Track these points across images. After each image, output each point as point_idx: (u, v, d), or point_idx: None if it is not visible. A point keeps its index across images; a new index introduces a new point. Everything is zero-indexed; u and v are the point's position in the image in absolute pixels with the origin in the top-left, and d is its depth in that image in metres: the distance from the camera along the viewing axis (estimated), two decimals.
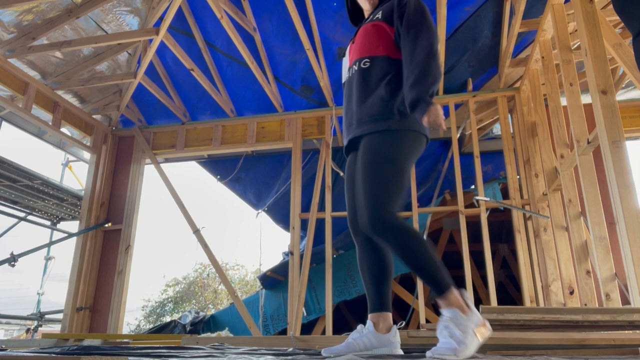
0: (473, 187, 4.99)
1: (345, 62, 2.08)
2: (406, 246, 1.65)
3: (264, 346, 2.48)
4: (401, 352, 1.78)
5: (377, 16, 1.96)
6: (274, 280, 5.54)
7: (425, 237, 4.82)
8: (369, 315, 1.86)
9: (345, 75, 2.05)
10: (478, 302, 5.05)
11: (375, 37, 1.92)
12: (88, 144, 5.20)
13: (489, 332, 1.60)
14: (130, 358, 1.43)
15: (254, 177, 5.75)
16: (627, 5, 1.28)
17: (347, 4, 2.23)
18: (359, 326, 1.86)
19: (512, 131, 4.64)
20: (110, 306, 4.76)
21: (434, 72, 1.73)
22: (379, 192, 1.71)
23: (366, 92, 1.86)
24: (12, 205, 5.55)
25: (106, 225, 5.06)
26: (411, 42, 1.80)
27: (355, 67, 1.93)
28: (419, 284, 4.21)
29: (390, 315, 1.86)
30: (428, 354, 1.53)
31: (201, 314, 6.00)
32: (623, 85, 4.68)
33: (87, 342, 3.78)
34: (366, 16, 2.12)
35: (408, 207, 4.61)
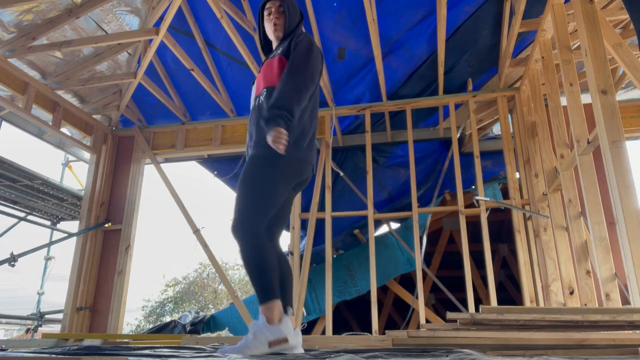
0: (473, 187, 4.99)
1: (253, 90, 2.30)
2: (244, 252, 1.96)
3: None
4: (299, 337, 1.99)
5: (278, 50, 2.21)
6: None
7: (425, 237, 4.84)
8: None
9: (252, 104, 2.27)
10: (478, 302, 5.05)
11: (273, 69, 2.15)
12: (88, 144, 5.20)
13: (289, 346, 1.85)
14: (130, 358, 1.43)
15: None
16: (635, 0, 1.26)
17: (259, 37, 2.42)
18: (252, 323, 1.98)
19: (512, 131, 4.64)
20: (110, 306, 4.76)
21: (293, 108, 1.97)
22: (245, 202, 2.01)
23: (260, 118, 2.08)
24: (12, 205, 5.55)
25: (106, 225, 5.06)
26: (288, 75, 2.04)
27: (262, 98, 2.15)
28: (419, 284, 4.21)
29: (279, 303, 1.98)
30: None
31: (201, 314, 6.00)
32: (623, 85, 4.68)
33: (87, 342, 3.78)
34: (273, 48, 2.34)
35: (408, 207, 4.62)
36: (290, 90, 1.99)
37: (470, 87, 4.68)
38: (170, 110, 5.23)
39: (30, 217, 5.82)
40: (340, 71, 4.78)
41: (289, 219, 2.26)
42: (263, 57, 2.47)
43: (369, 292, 4.34)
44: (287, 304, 2.04)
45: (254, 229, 1.98)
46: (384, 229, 5.80)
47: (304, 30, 2.34)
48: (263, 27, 2.38)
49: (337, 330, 4.66)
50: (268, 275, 1.92)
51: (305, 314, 5.00)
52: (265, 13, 2.34)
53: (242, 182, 2.06)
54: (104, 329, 4.72)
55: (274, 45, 2.35)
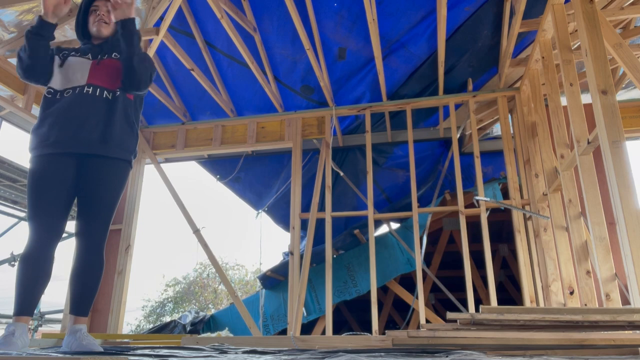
0: (473, 187, 4.99)
1: (73, 68, 2.16)
2: (102, 272, 2.10)
3: (264, 346, 2.48)
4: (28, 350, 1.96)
5: (115, 54, 2.21)
6: (274, 280, 5.54)
7: (425, 237, 4.84)
8: (23, 317, 1.99)
9: (69, 83, 2.13)
10: (478, 302, 5.05)
11: (115, 73, 2.18)
12: None
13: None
14: (130, 358, 1.43)
15: (254, 177, 5.74)
16: None
17: (78, 18, 2.31)
18: (8, 325, 1.95)
19: (512, 131, 4.64)
20: (110, 306, 4.76)
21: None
22: (111, 217, 2.12)
23: (114, 119, 2.11)
24: (12, 205, 5.54)
25: None
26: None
27: (105, 94, 2.13)
28: (419, 284, 4.21)
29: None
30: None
31: (201, 314, 5.99)
32: (623, 85, 4.68)
33: None
34: (95, 42, 2.27)
35: (408, 207, 4.61)
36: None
37: (470, 87, 4.68)
38: (170, 110, 5.23)
39: None
40: (340, 71, 4.78)
41: None
42: (80, 41, 2.34)
43: (369, 292, 4.34)
44: (31, 310, 2.05)
45: None
46: (384, 229, 5.80)
47: None
48: (84, 12, 2.29)
49: (337, 330, 4.67)
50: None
51: (305, 314, 5.00)
52: (92, 8, 2.27)
53: (113, 192, 2.10)
54: (104, 329, 4.72)
55: (96, 41, 2.27)
